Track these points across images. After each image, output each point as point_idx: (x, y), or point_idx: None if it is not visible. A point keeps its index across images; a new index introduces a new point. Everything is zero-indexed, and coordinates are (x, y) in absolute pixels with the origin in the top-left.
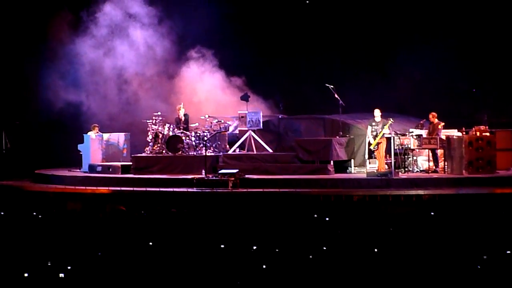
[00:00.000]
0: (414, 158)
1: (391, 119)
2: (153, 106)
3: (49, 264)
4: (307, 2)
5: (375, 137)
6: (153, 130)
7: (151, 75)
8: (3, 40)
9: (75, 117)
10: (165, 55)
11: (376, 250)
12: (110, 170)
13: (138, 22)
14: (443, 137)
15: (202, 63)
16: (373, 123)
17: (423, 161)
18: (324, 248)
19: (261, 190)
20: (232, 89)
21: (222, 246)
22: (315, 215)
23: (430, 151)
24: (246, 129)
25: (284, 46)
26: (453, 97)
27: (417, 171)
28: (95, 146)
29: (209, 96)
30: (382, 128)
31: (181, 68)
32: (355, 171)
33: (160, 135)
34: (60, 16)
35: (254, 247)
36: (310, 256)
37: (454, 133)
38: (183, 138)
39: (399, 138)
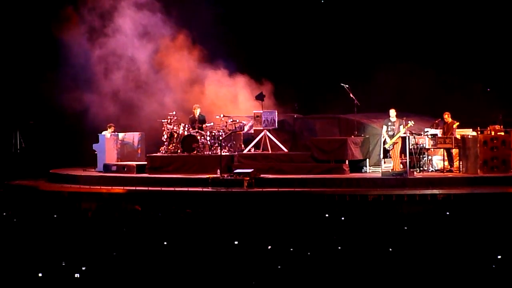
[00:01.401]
0: (429, 157)
1: (411, 121)
2: (160, 105)
3: (64, 264)
4: (322, 1)
5: (391, 136)
6: (168, 129)
7: (161, 73)
8: (14, 40)
9: (88, 117)
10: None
11: (391, 249)
12: (125, 169)
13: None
14: (458, 136)
15: (211, 61)
16: (389, 123)
17: (438, 160)
18: (339, 247)
19: (276, 189)
20: (244, 88)
21: (236, 242)
22: (327, 215)
23: (445, 150)
24: (261, 128)
25: (297, 45)
26: (468, 96)
27: (432, 171)
28: (110, 145)
29: (219, 95)
30: (399, 128)
31: (193, 68)
32: (370, 171)
33: (175, 135)
34: (70, 17)
35: (269, 247)
36: (325, 256)
37: (469, 132)
38: (198, 137)
39: (414, 138)
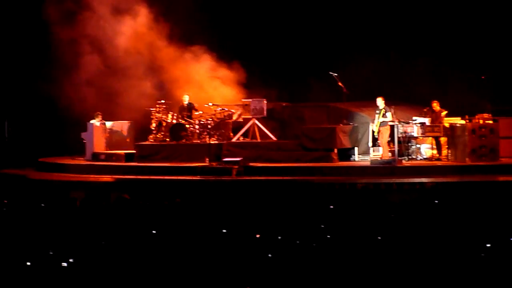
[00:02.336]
0: (418, 146)
1: (382, 108)
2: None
3: (51, 253)
4: None
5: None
6: (156, 118)
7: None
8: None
9: (76, 105)
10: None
11: (379, 238)
12: (114, 158)
13: None
14: (446, 125)
15: (194, 48)
16: (377, 111)
17: (426, 149)
18: (328, 236)
19: (265, 178)
20: (230, 76)
21: (224, 231)
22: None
23: (433, 139)
24: (250, 117)
25: (284, 32)
26: (456, 85)
27: (421, 159)
28: (98, 134)
29: (204, 83)
30: (385, 116)
31: (173, 54)
32: (359, 159)
33: (164, 123)
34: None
35: (258, 235)
36: (314, 244)
37: (458, 121)
38: (187, 126)
39: (403, 126)
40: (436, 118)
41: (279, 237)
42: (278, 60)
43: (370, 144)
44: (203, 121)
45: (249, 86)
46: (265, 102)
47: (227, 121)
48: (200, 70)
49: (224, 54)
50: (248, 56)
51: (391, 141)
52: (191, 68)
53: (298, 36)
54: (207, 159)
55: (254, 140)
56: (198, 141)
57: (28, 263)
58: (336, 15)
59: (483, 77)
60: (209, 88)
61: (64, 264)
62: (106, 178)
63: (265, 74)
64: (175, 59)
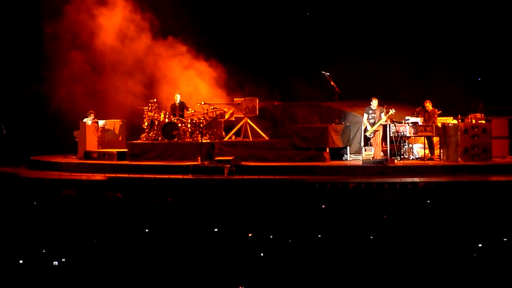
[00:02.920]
0: (410, 145)
1: (392, 109)
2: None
3: (44, 251)
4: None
5: (372, 124)
6: (148, 117)
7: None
8: None
9: (68, 104)
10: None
11: (371, 237)
12: (106, 156)
13: None
14: (439, 124)
15: (183, 48)
16: (370, 111)
17: (418, 148)
18: (320, 235)
19: (257, 177)
20: (219, 76)
21: (216, 230)
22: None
23: (426, 138)
24: (242, 116)
25: (277, 32)
26: (449, 84)
27: (413, 159)
28: (91, 132)
29: (192, 83)
30: (380, 116)
31: (164, 55)
32: (351, 159)
33: (156, 122)
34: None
35: (250, 234)
36: (306, 244)
37: (450, 120)
38: (179, 125)
39: (395, 126)
40: (429, 118)
41: (271, 236)
42: (270, 59)
43: (362, 143)
44: (195, 120)
45: (241, 85)
46: (257, 101)
47: (219, 120)
48: (185, 67)
49: (214, 53)
50: (240, 55)
51: (383, 140)
52: (178, 66)
53: (290, 35)
54: (199, 158)
55: (246, 139)
56: (190, 140)
57: (21, 261)
58: (326, 14)
59: (479, 79)
60: (197, 86)
61: (55, 263)
62: (98, 176)
63: (257, 74)
64: (164, 57)
